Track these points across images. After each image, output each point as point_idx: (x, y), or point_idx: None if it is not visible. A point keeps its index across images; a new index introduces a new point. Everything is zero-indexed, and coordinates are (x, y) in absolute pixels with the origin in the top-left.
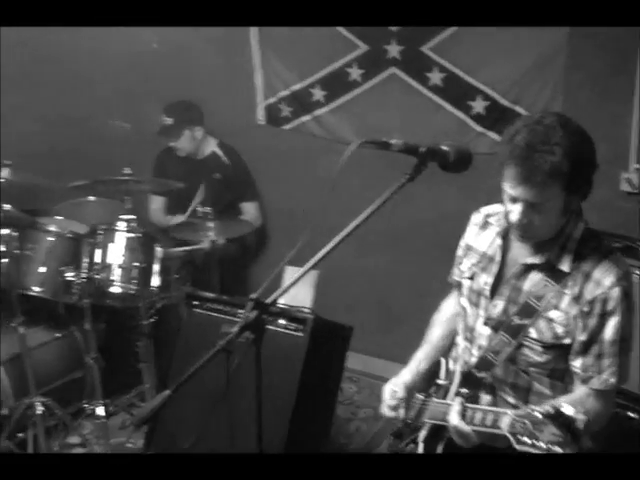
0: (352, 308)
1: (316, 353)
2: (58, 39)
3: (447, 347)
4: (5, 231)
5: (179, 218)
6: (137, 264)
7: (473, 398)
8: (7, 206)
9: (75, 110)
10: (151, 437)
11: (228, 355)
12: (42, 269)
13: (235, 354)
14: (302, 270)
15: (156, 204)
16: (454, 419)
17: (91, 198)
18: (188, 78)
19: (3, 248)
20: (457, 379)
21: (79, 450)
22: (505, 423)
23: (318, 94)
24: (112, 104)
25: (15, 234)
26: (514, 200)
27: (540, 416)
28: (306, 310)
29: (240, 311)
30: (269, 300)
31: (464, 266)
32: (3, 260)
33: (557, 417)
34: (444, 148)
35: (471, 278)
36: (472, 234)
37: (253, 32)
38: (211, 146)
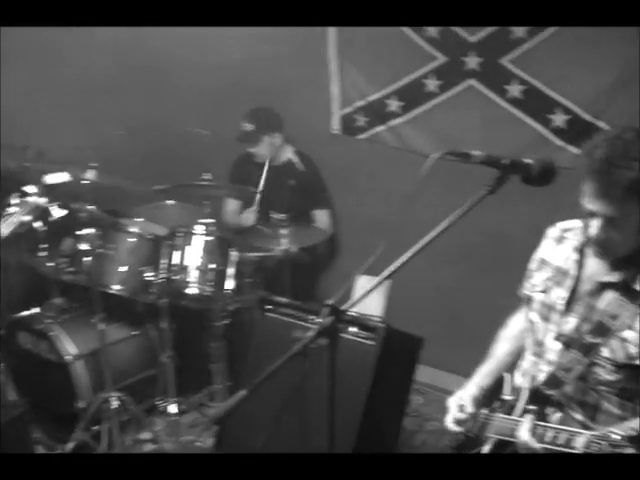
0: (421, 320)
1: (386, 362)
2: (148, 46)
3: (512, 363)
4: (89, 230)
5: (250, 216)
6: (213, 267)
7: (541, 415)
8: (91, 206)
9: (159, 116)
10: (221, 436)
11: (303, 359)
12: (123, 268)
13: (308, 359)
14: (378, 279)
15: (231, 206)
16: (525, 436)
17: (170, 202)
18: (267, 87)
19: (87, 247)
20: (524, 395)
21: (150, 446)
22: (580, 443)
23: (394, 105)
24: (194, 111)
25: (98, 234)
26: (593, 215)
27: (620, 438)
28: (377, 319)
29: (312, 317)
30: (344, 307)
31: (536, 280)
32: (86, 258)
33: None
34: (527, 161)
35: (543, 292)
36: (547, 248)
37: (331, 42)
38: (288, 153)
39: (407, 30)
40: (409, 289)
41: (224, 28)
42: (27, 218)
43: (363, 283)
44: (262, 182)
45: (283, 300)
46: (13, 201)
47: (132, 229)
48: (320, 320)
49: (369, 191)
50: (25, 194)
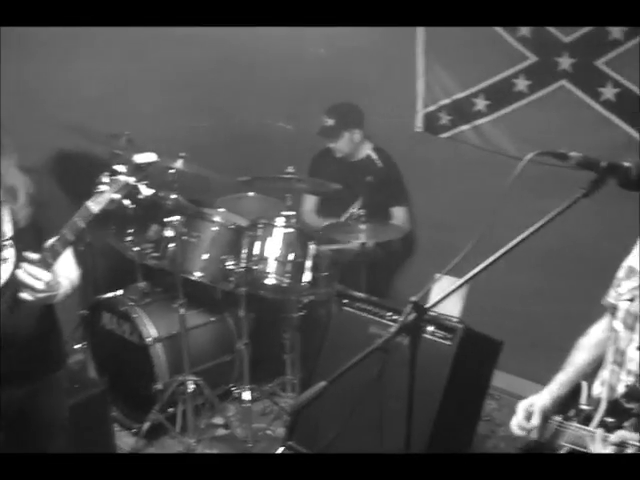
0: (498, 324)
1: (463, 364)
2: (235, 41)
3: (591, 373)
4: (175, 218)
5: (331, 221)
6: (291, 259)
7: (618, 428)
8: (177, 195)
9: (244, 109)
10: (294, 427)
11: (383, 355)
12: (205, 256)
13: (388, 355)
14: (461, 280)
15: (309, 205)
16: (599, 449)
17: (251, 193)
18: (351, 82)
19: (171, 234)
20: (603, 407)
21: (222, 431)
22: None
23: (480, 104)
24: (278, 104)
25: (183, 221)
26: None
27: None
28: (455, 319)
29: (389, 314)
30: (428, 305)
31: (623, 288)
32: (170, 245)
33: None
34: (626, 164)
35: (630, 300)
36: (638, 256)
37: (419, 39)
38: (366, 149)
39: (498, 29)
40: (487, 291)
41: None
42: (117, 196)
43: (441, 283)
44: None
45: (361, 295)
46: (103, 179)
47: (215, 218)
48: (402, 317)
49: (448, 190)
50: (115, 172)
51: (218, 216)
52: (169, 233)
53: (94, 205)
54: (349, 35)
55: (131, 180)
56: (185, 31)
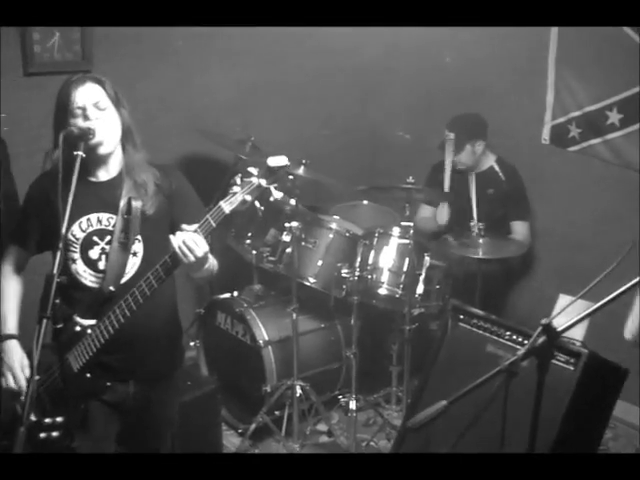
0: (616, 349)
1: (586, 391)
2: (360, 51)
3: None
4: (293, 224)
5: (443, 215)
6: (406, 270)
7: None
8: (293, 201)
9: (364, 118)
10: (402, 439)
11: (509, 376)
12: (319, 262)
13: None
14: (598, 303)
15: (425, 212)
16: None
17: (365, 202)
18: (475, 91)
19: (289, 239)
20: None
21: (324, 438)
22: None
23: (614, 117)
24: (399, 114)
25: (300, 227)
26: None
27: None
28: (579, 343)
29: (507, 333)
30: (560, 329)
31: None
32: (287, 250)
33: None
34: None
35: None
36: None
37: (551, 49)
38: (489, 161)
39: (636, 40)
40: (610, 313)
41: (438, 31)
42: (249, 197)
43: (564, 303)
44: (447, 183)
45: (478, 312)
46: (237, 181)
47: (332, 225)
48: (531, 339)
49: (574, 206)
50: (248, 174)
51: (334, 223)
52: (286, 238)
53: (227, 205)
54: (477, 46)
55: (263, 182)
56: (315, 41)
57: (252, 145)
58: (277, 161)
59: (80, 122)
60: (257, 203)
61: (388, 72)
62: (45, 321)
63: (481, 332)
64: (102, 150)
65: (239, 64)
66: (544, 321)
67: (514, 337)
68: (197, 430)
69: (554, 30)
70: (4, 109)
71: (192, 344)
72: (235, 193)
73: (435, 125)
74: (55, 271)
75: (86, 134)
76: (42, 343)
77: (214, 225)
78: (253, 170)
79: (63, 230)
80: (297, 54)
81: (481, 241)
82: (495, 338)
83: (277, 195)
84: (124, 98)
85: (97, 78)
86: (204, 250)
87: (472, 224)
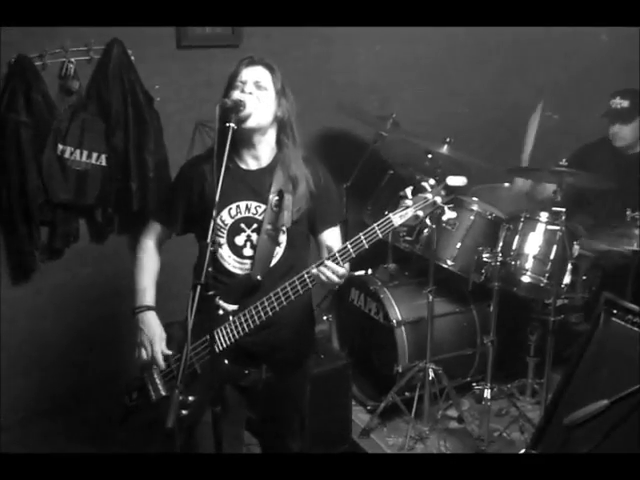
0: None
1: None
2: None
3: None
4: None
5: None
6: (553, 258)
7: None
8: (432, 180)
9: (505, 96)
10: (541, 435)
11: None
12: (458, 244)
13: None
14: None
15: (521, 182)
16: None
17: (506, 184)
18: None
19: (428, 221)
20: None
21: (455, 424)
22: None
23: None
24: (544, 93)
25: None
26: None
27: None
28: None
29: None
30: None
31: None
32: (425, 230)
33: None
34: None
35: None
36: None
37: None
38: None
39: None
40: None
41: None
42: (421, 213)
43: None
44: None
45: (635, 308)
46: (410, 194)
47: (473, 207)
48: None
49: None
50: (422, 189)
51: (476, 205)
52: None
53: (397, 219)
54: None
55: (438, 200)
56: None
57: (393, 122)
58: (457, 181)
59: (236, 94)
60: (429, 221)
61: (536, 44)
62: (199, 287)
63: (636, 329)
64: (249, 123)
65: (381, 41)
66: None
67: None
68: (327, 404)
69: None
70: (157, 81)
71: (325, 318)
72: (407, 207)
73: (587, 104)
74: (209, 240)
75: (237, 105)
76: (191, 312)
77: (381, 236)
78: (427, 185)
79: (217, 198)
80: (437, 31)
81: (636, 232)
82: None
83: (451, 215)
84: (291, 94)
85: (269, 64)
86: (341, 274)
87: (627, 213)
